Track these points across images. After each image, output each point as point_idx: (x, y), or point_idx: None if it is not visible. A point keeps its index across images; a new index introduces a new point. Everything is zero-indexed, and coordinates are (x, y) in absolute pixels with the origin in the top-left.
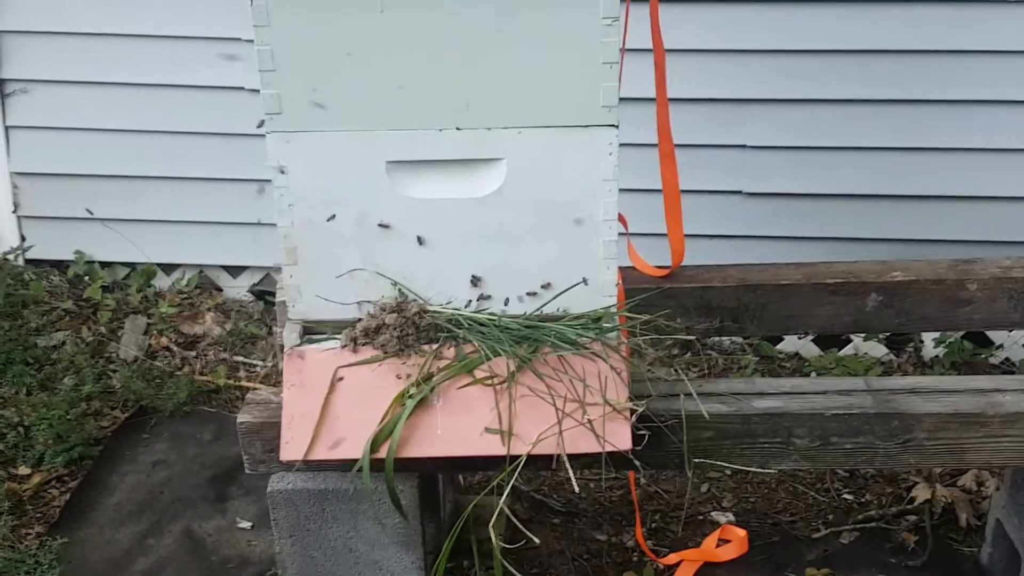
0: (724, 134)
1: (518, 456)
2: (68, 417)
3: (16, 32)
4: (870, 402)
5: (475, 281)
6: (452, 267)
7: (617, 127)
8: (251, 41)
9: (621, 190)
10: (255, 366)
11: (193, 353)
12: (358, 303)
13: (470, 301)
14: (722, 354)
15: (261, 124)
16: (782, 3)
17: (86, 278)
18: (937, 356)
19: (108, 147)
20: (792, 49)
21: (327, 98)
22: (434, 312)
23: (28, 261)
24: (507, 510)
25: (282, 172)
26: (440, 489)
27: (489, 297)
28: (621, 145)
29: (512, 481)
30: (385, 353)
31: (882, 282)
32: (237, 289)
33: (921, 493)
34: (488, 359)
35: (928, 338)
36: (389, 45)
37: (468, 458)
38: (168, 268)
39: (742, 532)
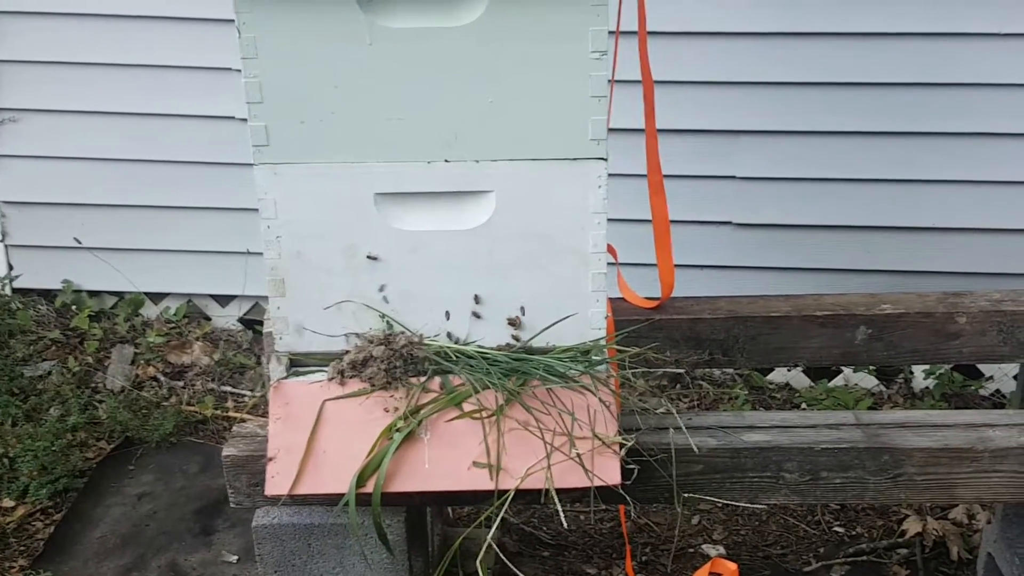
0: (714, 165)
1: (506, 491)
2: (53, 448)
3: (5, 61)
4: (860, 436)
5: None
6: (440, 299)
7: (606, 160)
8: (240, 71)
9: (610, 220)
10: (243, 396)
11: (180, 383)
12: (346, 335)
13: (460, 335)
14: (712, 385)
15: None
16: (772, 35)
17: (73, 307)
18: (927, 387)
19: (96, 176)
20: (782, 81)
21: (315, 130)
22: (422, 344)
23: (15, 290)
24: (495, 545)
25: (269, 204)
26: (428, 522)
27: (478, 329)
28: (610, 175)
29: (500, 515)
30: (372, 386)
31: (871, 315)
32: (226, 318)
33: (912, 526)
34: (476, 392)
35: (918, 370)
36: (377, 78)
37: (456, 492)
38: (156, 297)
39: (733, 566)
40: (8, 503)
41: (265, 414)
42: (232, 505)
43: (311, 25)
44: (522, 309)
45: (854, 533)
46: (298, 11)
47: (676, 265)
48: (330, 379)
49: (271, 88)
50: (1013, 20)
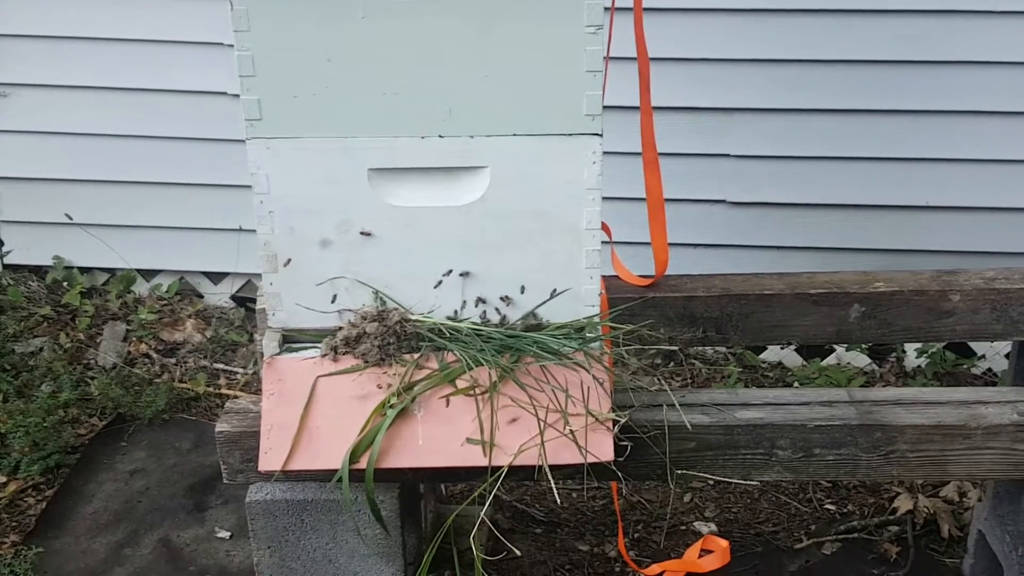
0: (708, 143)
1: (500, 467)
2: (45, 424)
3: None
4: (853, 414)
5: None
6: (434, 275)
7: (601, 136)
8: (232, 46)
9: (605, 198)
10: (235, 373)
11: (173, 360)
12: (339, 311)
13: (456, 310)
14: (705, 363)
15: None
16: (767, 12)
17: (65, 284)
18: (919, 366)
19: (88, 152)
20: (777, 59)
21: (308, 105)
22: (416, 321)
23: (6, 266)
24: (488, 521)
25: (262, 179)
26: (421, 499)
27: (472, 306)
28: (605, 153)
29: (494, 492)
30: (366, 362)
31: (865, 292)
32: (218, 296)
33: (903, 504)
34: (470, 369)
35: (910, 348)
36: (371, 51)
37: (450, 469)
38: (148, 274)
39: (724, 542)
40: (0, 479)
41: (257, 392)
42: (225, 481)
43: None
44: (521, 288)
45: (845, 511)
46: None
47: (670, 243)
48: (323, 355)
49: (264, 61)
50: None
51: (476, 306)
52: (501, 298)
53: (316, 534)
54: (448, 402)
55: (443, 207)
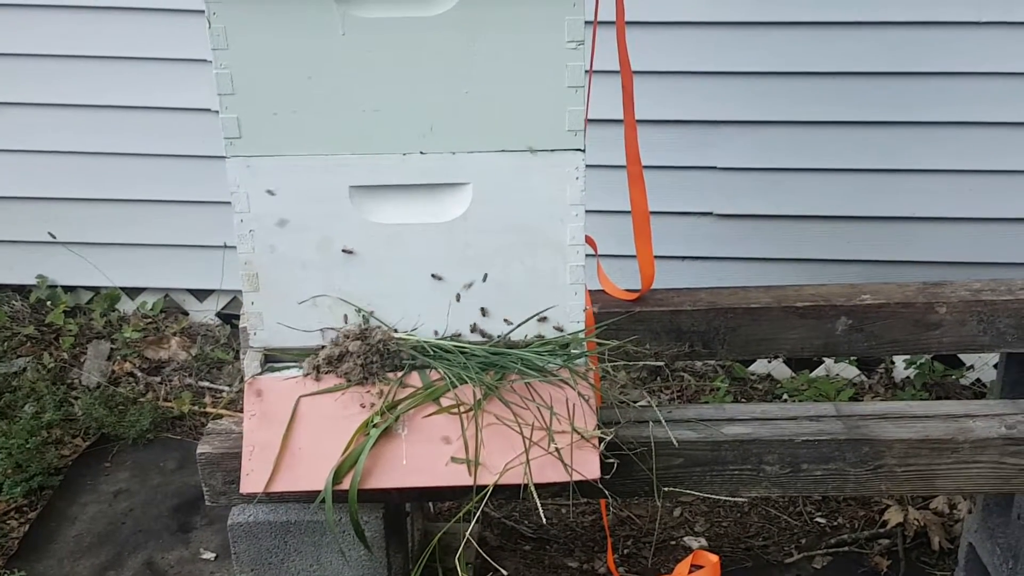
0: (694, 156)
1: (485, 486)
2: (28, 446)
3: None
4: (840, 428)
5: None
6: (417, 293)
7: (584, 151)
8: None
9: (590, 211)
10: (221, 391)
11: (157, 379)
12: (321, 330)
13: (439, 328)
14: (694, 376)
15: None
16: (752, 25)
17: (48, 303)
18: (908, 377)
19: (71, 170)
20: (762, 71)
21: (288, 122)
22: (399, 339)
23: None
24: (474, 541)
25: (242, 197)
26: (408, 517)
27: (455, 323)
28: (589, 166)
29: (480, 511)
30: (349, 381)
31: (852, 305)
32: (203, 313)
33: (893, 516)
34: (454, 387)
35: (899, 359)
36: (351, 69)
37: (434, 488)
38: (132, 292)
39: (715, 558)
40: None
41: (243, 409)
42: (207, 503)
43: (283, 15)
44: (505, 305)
45: (836, 524)
46: (269, 0)
47: (656, 256)
48: (305, 375)
49: (242, 79)
50: (990, 8)
51: (459, 323)
52: (483, 314)
53: (300, 556)
54: (432, 421)
55: (425, 224)
